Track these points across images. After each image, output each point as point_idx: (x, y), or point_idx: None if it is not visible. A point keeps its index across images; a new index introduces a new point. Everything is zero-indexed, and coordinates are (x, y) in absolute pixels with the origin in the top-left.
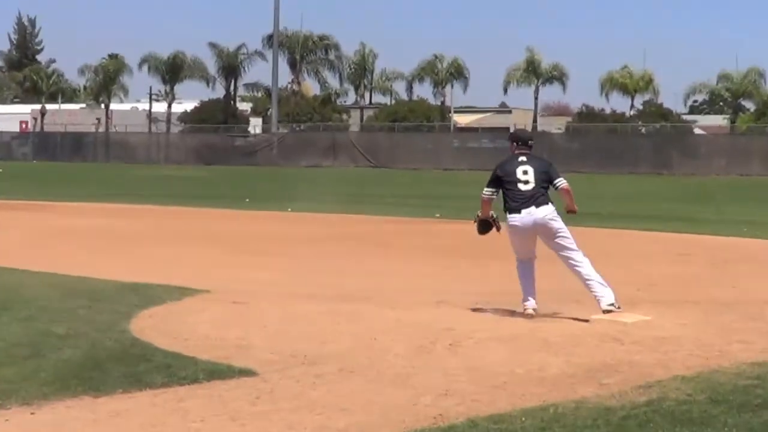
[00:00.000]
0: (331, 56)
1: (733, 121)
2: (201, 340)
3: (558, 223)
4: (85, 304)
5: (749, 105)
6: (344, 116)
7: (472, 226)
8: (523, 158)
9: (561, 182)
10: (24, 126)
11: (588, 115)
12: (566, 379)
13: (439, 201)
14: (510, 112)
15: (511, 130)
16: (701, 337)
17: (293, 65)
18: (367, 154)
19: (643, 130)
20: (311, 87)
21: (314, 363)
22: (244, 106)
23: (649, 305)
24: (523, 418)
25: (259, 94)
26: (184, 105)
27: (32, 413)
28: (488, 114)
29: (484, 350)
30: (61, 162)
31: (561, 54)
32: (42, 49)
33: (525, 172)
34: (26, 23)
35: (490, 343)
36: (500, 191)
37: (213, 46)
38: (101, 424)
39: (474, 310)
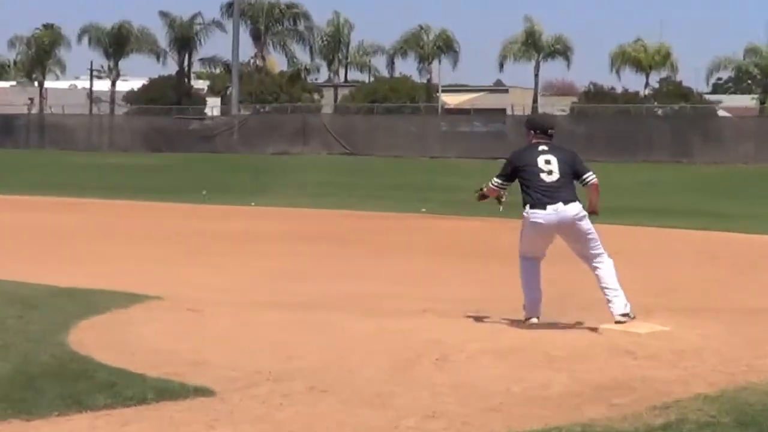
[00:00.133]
0: (301, 27)
1: (762, 102)
2: (150, 354)
3: (587, 224)
4: (15, 312)
5: None
6: (316, 96)
7: (472, 196)
8: (543, 147)
9: (591, 177)
10: None
11: (596, 94)
12: (571, 399)
13: (424, 193)
14: (506, 91)
15: (509, 112)
16: (726, 349)
17: (257, 37)
18: (342, 140)
19: (660, 111)
20: (277, 62)
21: (280, 380)
22: (200, 85)
23: (667, 313)
24: None
25: (218, 71)
26: (130, 83)
27: None
28: (481, 93)
29: (476, 365)
30: None
31: (565, 25)
32: None
33: (548, 162)
34: None
35: (483, 357)
36: (510, 184)
37: (164, 15)
38: None
39: (465, 318)
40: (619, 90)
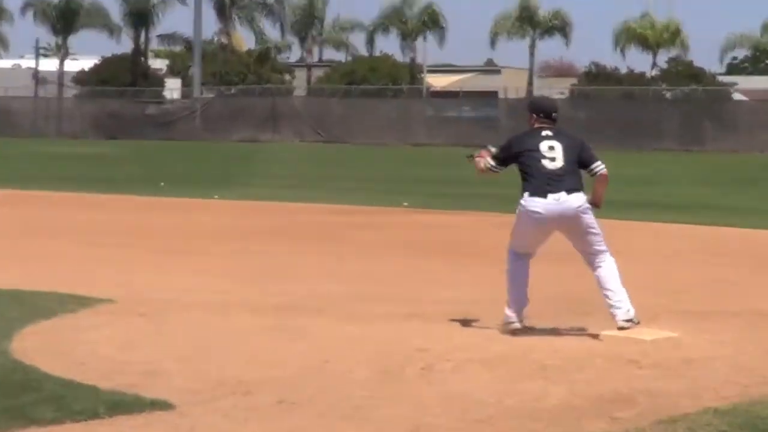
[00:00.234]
0: (270, 0)
1: None
2: (102, 363)
3: (590, 218)
4: None
5: None
6: (287, 77)
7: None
8: (547, 132)
9: (600, 167)
10: None
11: (598, 76)
12: (569, 413)
13: (407, 185)
14: (499, 72)
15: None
16: (740, 358)
17: (221, 11)
18: (316, 125)
19: (668, 95)
20: (244, 40)
21: (248, 393)
22: (159, 64)
23: (675, 318)
24: None
25: (178, 49)
26: (80, 62)
27: None
28: (471, 75)
29: (465, 376)
30: None
31: None
32: None
33: (551, 148)
34: None
35: (472, 366)
36: (503, 169)
37: None
38: None
39: (452, 323)
40: (623, 71)
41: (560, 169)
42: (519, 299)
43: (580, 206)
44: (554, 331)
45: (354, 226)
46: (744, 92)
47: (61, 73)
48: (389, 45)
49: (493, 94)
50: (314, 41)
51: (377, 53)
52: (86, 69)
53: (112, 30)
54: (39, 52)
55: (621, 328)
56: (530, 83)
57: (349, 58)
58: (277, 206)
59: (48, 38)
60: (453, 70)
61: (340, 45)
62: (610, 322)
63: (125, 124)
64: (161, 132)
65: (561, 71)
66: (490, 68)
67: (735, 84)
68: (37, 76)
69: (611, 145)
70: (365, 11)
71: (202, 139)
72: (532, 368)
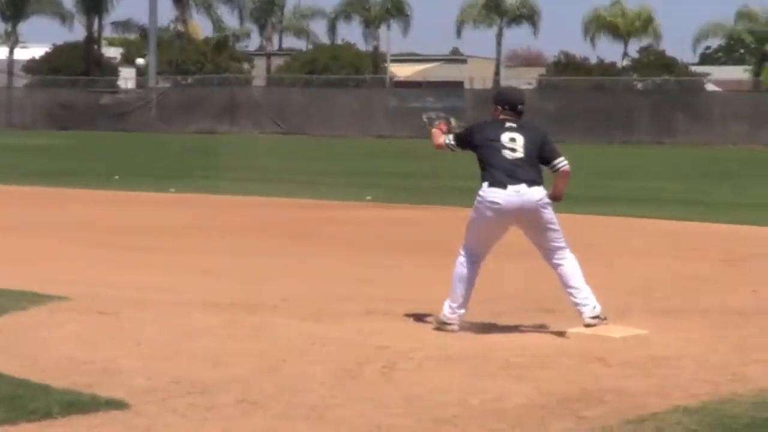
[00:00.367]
0: None
1: (756, 74)
2: (55, 362)
3: (550, 212)
4: None
5: None
6: (245, 66)
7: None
8: (511, 124)
9: (562, 163)
10: None
11: (567, 65)
12: (534, 412)
13: (370, 178)
14: (465, 61)
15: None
16: (710, 356)
17: None
18: (276, 116)
19: (640, 85)
20: (201, 27)
21: (205, 392)
22: (112, 53)
23: (645, 315)
24: None
25: (133, 37)
26: (31, 50)
27: None
28: (436, 64)
29: (427, 375)
30: None
31: None
32: None
33: (512, 139)
34: None
35: (434, 365)
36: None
37: None
38: None
39: (415, 322)
40: (593, 60)
41: (520, 160)
42: (463, 302)
43: (540, 200)
44: (519, 329)
45: (315, 221)
46: (717, 83)
47: (10, 62)
48: (352, 33)
49: (458, 84)
50: (274, 29)
51: (339, 41)
52: (37, 57)
53: (64, 17)
54: None
55: (588, 326)
56: (497, 73)
57: (310, 47)
58: (235, 200)
59: None
60: (417, 59)
61: (300, 33)
62: (576, 320)
63: (78, 115)
64: (115, 123)
65: (529, 61)
66: (456, 57)
67: (708, 74)
68: None
69: (580, 137)
70: None
71: (158, 131)
72: (496, 366)
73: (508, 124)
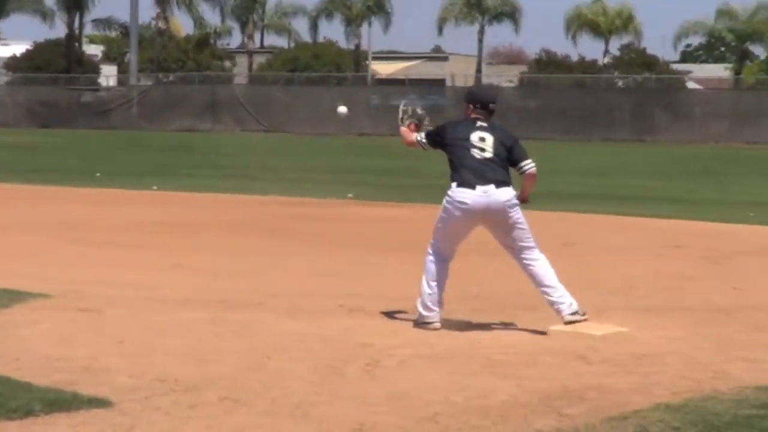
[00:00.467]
0: None
1: (737, 72)
2: (37, 360)
3: (518, 213)
4: None
5: (759, 51)
6: (227, 64)
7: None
8: (482, 123)
9: (529, 166)
10: None
11: (549, 63)
12: (517, 409)
13: (352, 176)
14: (446, 59)
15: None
16: (693, 353)
17: None
18: (258, 114)
19: (621, 83)
20: (182, 25)
21: (189, 389)
22: (93, 50)
23: (626, 313)
24: None
25: (114, 34)
26: (11, 47)
27: None
28: (417, 62)
29: (410, 372)
30: None
31: None
32: None
33: (482, 139)
34: None
35: (418, 362)
36: (429, 148)
37: None
38: None
39: (397, 319)
40: (574, 58)
41: (489, 160)
42: (438, 300)
43: (508, 200)
44: (501, 327)
45: (297, 218)
46: (698, 81)
47: None
48: (333, 31)
49: (440, 82)
50: (255, 27)
51: (321, 39)
52: (18, 55)
53: (45, 14)
54: None
55: (569, 323)
56: (479, 71)
57: (292, 45)
58: (218, 198)
59: None
60: (399, 57)
61: (282, 30)
62: (557, 317)
63: (59, 113)
64: (96, 121)
65: (510, 58)
66: (438, 55)
67: (689, 72)
68: None
69: (561, 134)
70: None
71: (139, 128)
72: (479, 364)
73: (479, 124)
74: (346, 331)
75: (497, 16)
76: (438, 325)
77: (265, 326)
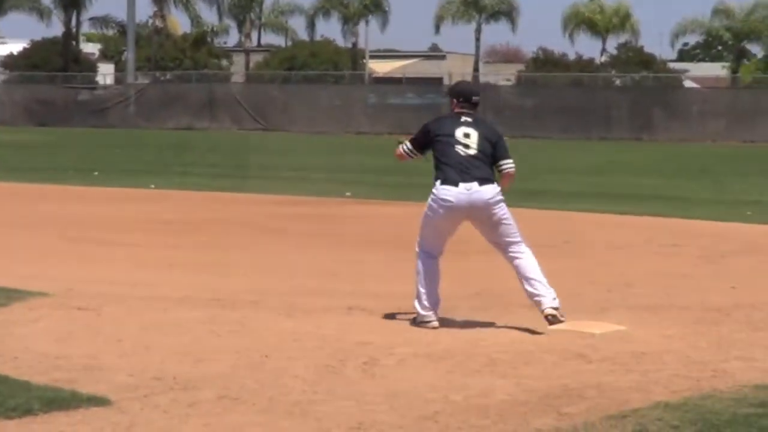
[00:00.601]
0: None
1: (734, 71)
2: (36, 358)
3: (502, 209)
4: None
5: (756, 49)
6: (224, 62)
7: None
8: (466, 119)
9: (509, 165)
10: None
11: (546, 62)
12: (516, 408)
13: (350, 175)
14: (444, 57)
15: (446, 82)
16: (691, 352)
17: None
18: (255, 113)
19: (618, 82)
20: (180, 23)
21: (187, 388)
22: (91, 48)
23: (624, 312)
24: None
25: (111, 32)
26: (9, 46)
27: None
28: (415, 60)
29: (409, 371)
30: None
31: None
32: None
33: (467, 135)
34: None
35: (416, 361)
36: (420, 155)
37: None
38: None
39: (396, 318)
40: (572, 57)
41: (473, 157)
42: (434, 298)
43: (491, 198)
44: (500, 325)
45: (295, 217)
46: (695, 79)
47: None
48: (330, 29)
49: (437, 81)
50: (253, 25)
51: (318, 38)
52: (15, 53)
53: (41, 12)
54: None
55: (549, 315)
56: (476, 69)
57: (289, 43)
58: (215, 196)
59: None
60: (396, 55)
61: (279, 29)
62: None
63: (56, 111)
64: (94, 119)
65: (508, 57)
66: (435, 53)
67: (686, 71)
68: None
69: (559, 133)
70: None
71: (137, 127)
72: (478, 363)
73: (463, 119)
74: (345, 330)
75: (494, 15)
76: (436, 323)
77: (263, 325)
